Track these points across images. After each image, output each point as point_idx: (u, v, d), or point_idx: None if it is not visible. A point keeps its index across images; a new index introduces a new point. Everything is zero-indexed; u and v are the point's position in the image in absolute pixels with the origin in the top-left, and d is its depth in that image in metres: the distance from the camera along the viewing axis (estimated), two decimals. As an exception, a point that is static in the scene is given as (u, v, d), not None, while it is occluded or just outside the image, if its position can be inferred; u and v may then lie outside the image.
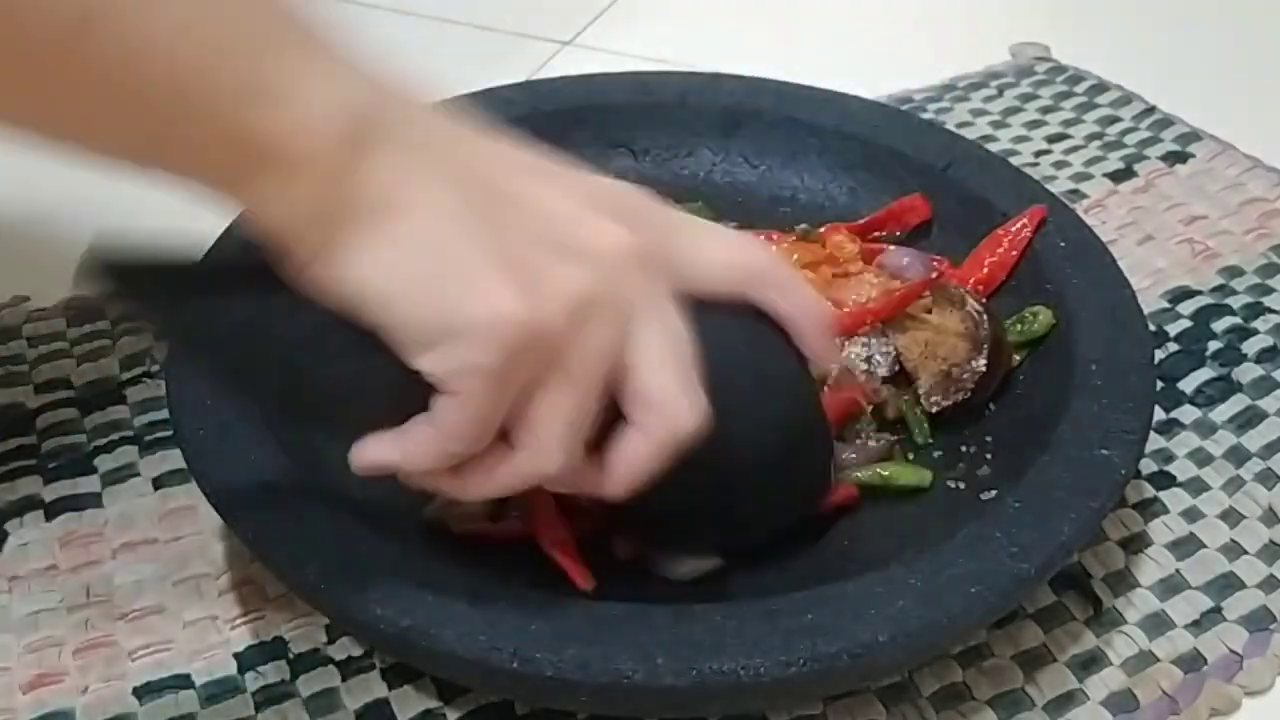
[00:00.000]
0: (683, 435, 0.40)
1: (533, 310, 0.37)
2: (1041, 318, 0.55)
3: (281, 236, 0.38)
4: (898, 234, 0.63)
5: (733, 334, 0.44)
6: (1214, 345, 0.62)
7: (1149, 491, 0.55)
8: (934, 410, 0.54)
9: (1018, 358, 0.55)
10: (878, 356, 0.55)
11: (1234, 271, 0.67)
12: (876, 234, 0.62)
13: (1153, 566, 0.52)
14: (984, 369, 0.53)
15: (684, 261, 0.42)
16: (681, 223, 0.44)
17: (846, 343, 0.55)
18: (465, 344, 0.37)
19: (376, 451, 0.41)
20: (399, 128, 0.38)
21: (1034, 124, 0.79)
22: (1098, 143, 0.77)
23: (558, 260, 0.38)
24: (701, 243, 0.43)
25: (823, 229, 0.61)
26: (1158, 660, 0.49)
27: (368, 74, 0.38)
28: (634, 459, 0.41)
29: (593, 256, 0.39)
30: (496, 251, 0.37)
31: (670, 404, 0.40)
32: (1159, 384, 0.56)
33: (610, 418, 0.41)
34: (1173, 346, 0.62)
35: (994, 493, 0.50)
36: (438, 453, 0.40)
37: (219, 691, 0.48)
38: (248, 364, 0.42)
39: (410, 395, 0.39)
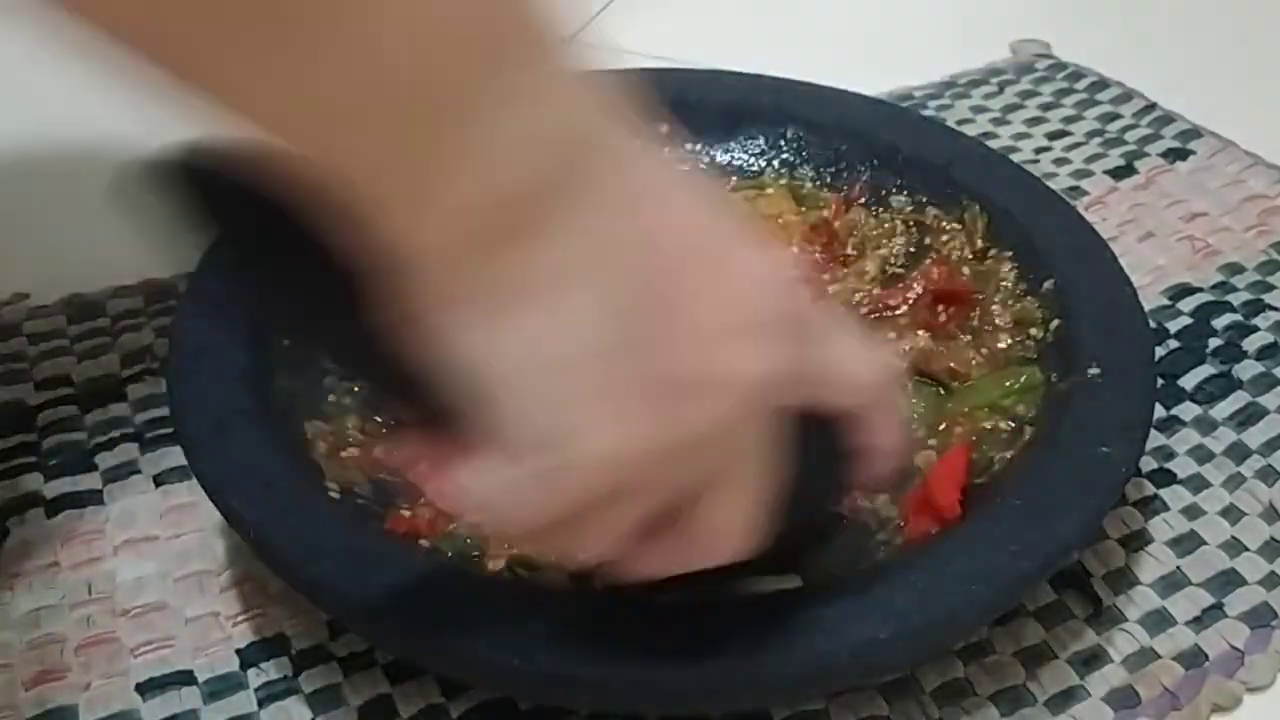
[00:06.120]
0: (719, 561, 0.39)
1: (633, 454, 0.36)
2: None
3: (418, 261, 0.34)
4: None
5: (823, 444, 0.42)
6: (1214, 342, 0.62)
7: (1149, 489, 0.55)
8: None
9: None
10: None
11: (1234, 268, 0.67)
12: None
13: (1153, 564, 0.52)
14: None
15: (817, 379, 0.40)
16: (831, 337, 0.41)
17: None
18: (562, 469, 0.36)
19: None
20: (591, 184, 0.35)
21: (1035, 121, 0.79)
22: (1098, 139, 0.77)
23: (681, 397, 0.36)
24: (843, 363, 0.41)
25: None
26: (1159, 657, 0.49)
27: (585, 88, 0.35)
28: (657, 566, 0.40)
29: (721, 386, 0.36)
30: (624, 379, 0.36)
31: (720, 546, 0.39)
32: (1159, 381, 0.56)
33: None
34: (1173, 343, 0.62)
35: (994, 491, 0.50)
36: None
37: (221, 688, 0.48)
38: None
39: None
